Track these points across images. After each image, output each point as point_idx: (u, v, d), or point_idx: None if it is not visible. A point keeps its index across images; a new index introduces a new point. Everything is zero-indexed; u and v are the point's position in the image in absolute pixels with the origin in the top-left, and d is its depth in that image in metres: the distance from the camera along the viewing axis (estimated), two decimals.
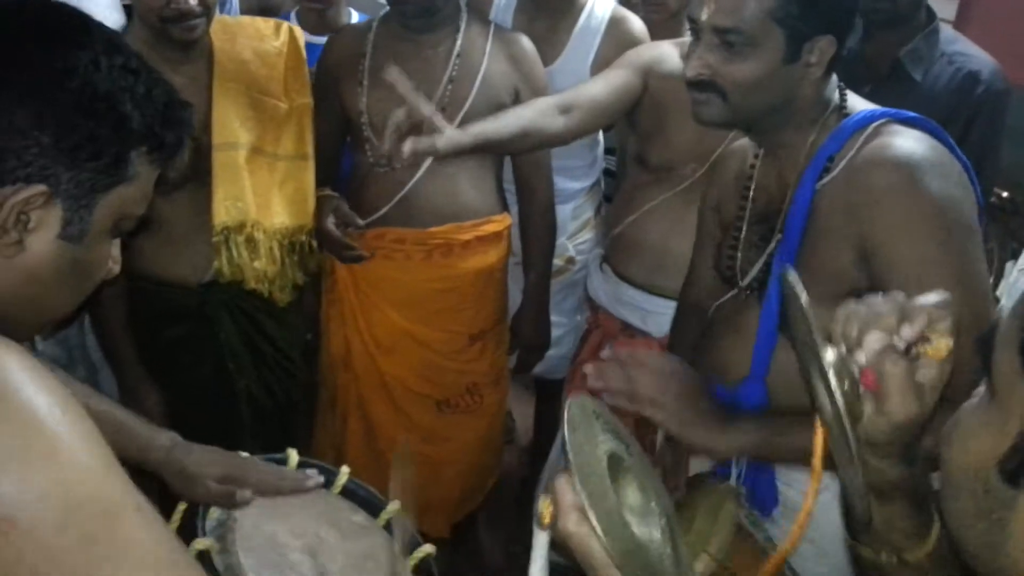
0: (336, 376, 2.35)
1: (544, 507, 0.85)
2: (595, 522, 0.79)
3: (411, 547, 1.29)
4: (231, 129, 2.03)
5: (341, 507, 1.35)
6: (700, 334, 1.59)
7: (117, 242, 0.90)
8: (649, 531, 0.88)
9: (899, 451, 0.83)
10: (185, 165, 1.99)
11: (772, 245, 1.40)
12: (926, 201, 1.23)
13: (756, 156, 1.48)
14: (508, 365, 2.41)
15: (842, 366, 0.80)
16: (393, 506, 1.34)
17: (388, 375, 2.26)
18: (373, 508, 1.36)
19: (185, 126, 0.90)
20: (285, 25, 2.15)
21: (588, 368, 1.33)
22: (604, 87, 1.96)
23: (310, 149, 2.14)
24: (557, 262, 2.41)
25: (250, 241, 2.05)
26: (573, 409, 0.89)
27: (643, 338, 2.07)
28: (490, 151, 1.88)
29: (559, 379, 2.58)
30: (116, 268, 0.91)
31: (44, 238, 0.80)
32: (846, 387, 0.79)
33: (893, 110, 1.34)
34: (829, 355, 0.80)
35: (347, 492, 1.37)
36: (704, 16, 1.32)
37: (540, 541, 0.87)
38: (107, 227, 0.84)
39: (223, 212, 2.02)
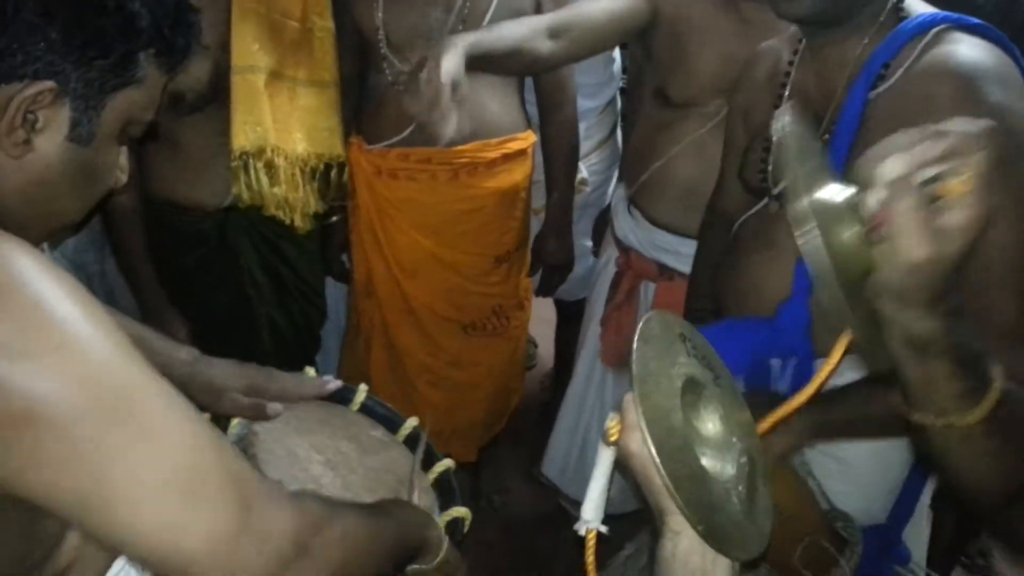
0: (359, 303, 2.34)
1: (612, 424, 0.83)
2: (649, 443, 0.75)
3: (430, 462, 1.30)
4: (250, 52, 1.98)
5: (360, 423, 1.36)
6: (724, 251, 1.54)
7: (124, 150, 0.89)
8: (721, 465, 0.84)
9: (922, 301, 0.74)
10: (203, 86, 1.95)
11: None
12: (987, 115, 1.15)
13: (795, 53, 1.41)
14: (532, 287, 2.40)
15: (849, 208, 0.73)
16: (411, 421, 1.35)
17: (413, 299, 2.25)
18: (392, 424, 1.36)
19: (194, 31, 0.88)
20: None
21: None
22: (605, 11, 1.85)
23: (332, 75, 2.09)
24: None
25: (270, 166, 2.02)
26: (652, 322, 0.84)
27: (682, 279, 1.97)
28: (485, 68, 1.77)
29: (578, 300, 2.57)
30: (124, 177, 0.90)
31: (53, 139, 0.79)
32: (852, 232, 0.73)
33: (955, 15, 1.27)
34: (825, 193, 0.73)
35: (366, 409, 1.38)
36: None
37: (603, 458, 0.84)
38: (115, 131, 0.84)
39: (242, 136, 1.98)
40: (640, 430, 0.76)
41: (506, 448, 2.66)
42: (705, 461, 0.82)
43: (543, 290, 2.43)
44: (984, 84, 1.17)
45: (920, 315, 0.75)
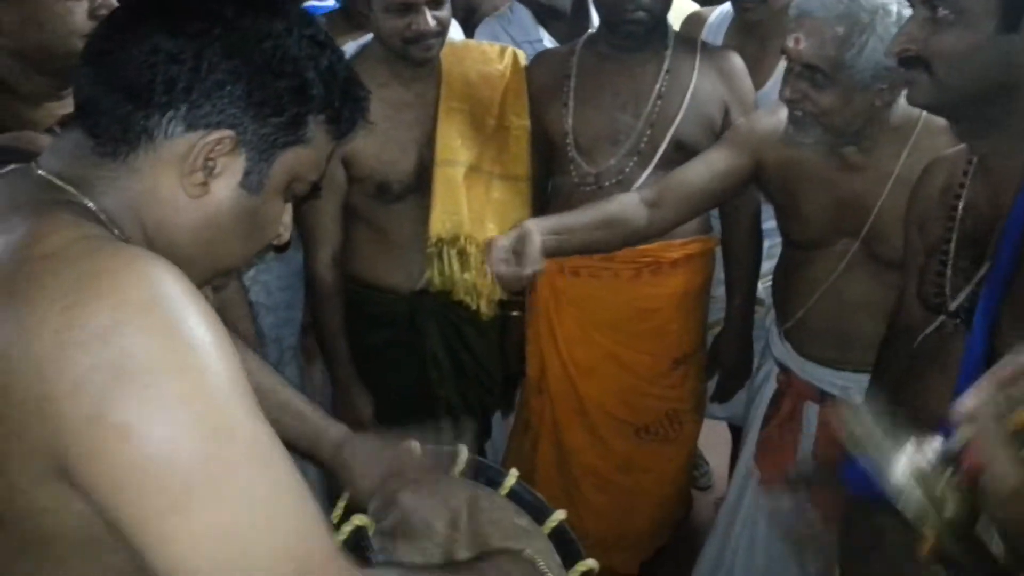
0: (530, 399, 2.35)
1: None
2: None
3: (573, 559, 1.24)
4: (453, 147, 2.13)
5: (506, 508, 1.31)
6: (905, 368, 1.46)
7: (289, 208, 0.96)
8: None
9: None
10: (409, 177, 2.11)
11: (982, 271, 1.27)
12: None
13: (969, 164, 1.35)
14: (706, 392, 2.34)
15: (937, 463, 0.75)
16: (559, 514, 1.31)
17: (586, 399, 2.24)
18: (539, 514, 1.31)
19: (361, 106, 0.94)
20: (509, 49, 2.25)
21: None
22: (703, 173, 1.86)
23: (526, 171, 2.20)
24: None
25: (462, 254, 2.13)
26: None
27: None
28: (575, 247, 1.83)
29: None
30: (286, 235, 0.98)
31: (227, 184, 0.86)
32: (944, 483, 0.74)
33: None
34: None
35: (514, 495, 1.34)
36: None
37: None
38: (282, 184, 0.90)
39: (439, 224, 2.11)
40: None
41: (671, 567, 2.54)
42: None
43: (719, 395, 2.37)
44: None
45: None
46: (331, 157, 0.96)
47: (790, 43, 1.62)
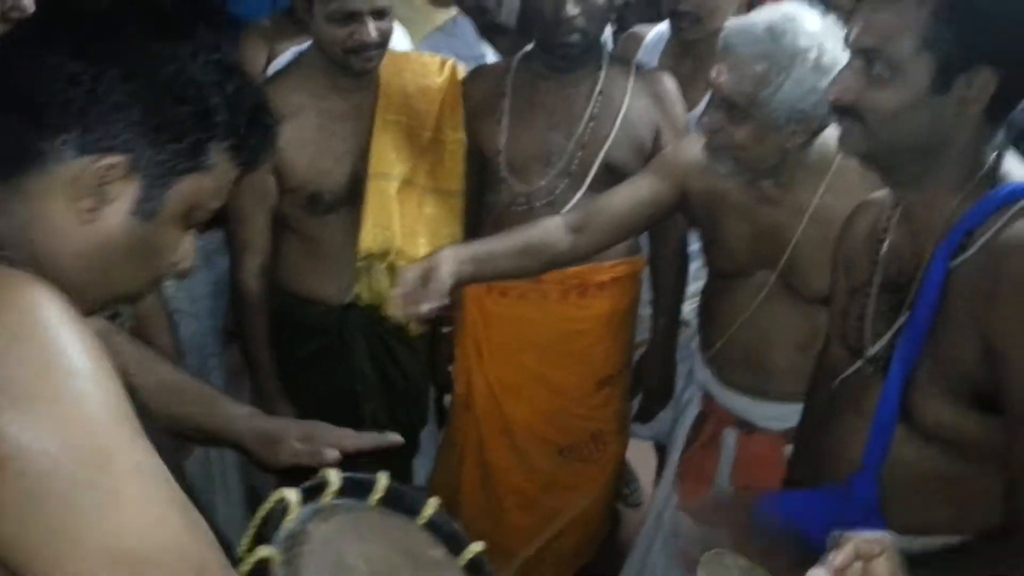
0: (457, 416, 2.34)
1: None
2: None
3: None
4: (388, 160, 2.11)
5: (421, 539, 1.29)
6: (825, 409, 1.47)
7: (191, 236, 0.93)
8: None
9: None
10: (341, 189, 2.09)
11: (901, 320, 1.28)
12: None
13: (894, 209, 1.36)
14: (630, 413, 2.35)
15: None
16: (475, 546, 1.31)
17: (511, 418, 2.24)
18: (456, 545, 1.29)
19: (270, 134, 0.92)
20: (449, 61, 2.23)
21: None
22: (628, 200, 1.86)
23: (459, 185, 2.19)
24: None
25: (391, 269, 2.11)
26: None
27: (762, 434, 1.91)
28: (496, 273, 1.83)
29: None
30: (187, 263, 0.93)
31: (118, 210, 0.83)
32: None
33: None
34: None
35: (432, 525, 1.31)
36: (851, 36, 1.24)
37: None
38: (179, 212, 0.87)
39: (370, 238, 2.09)
40: None
41: None
42: None
43: (641, 416, 2.38)
44: None
45: None
46: (236, 183, 0.93)
47: (713, 74, 1.63)
